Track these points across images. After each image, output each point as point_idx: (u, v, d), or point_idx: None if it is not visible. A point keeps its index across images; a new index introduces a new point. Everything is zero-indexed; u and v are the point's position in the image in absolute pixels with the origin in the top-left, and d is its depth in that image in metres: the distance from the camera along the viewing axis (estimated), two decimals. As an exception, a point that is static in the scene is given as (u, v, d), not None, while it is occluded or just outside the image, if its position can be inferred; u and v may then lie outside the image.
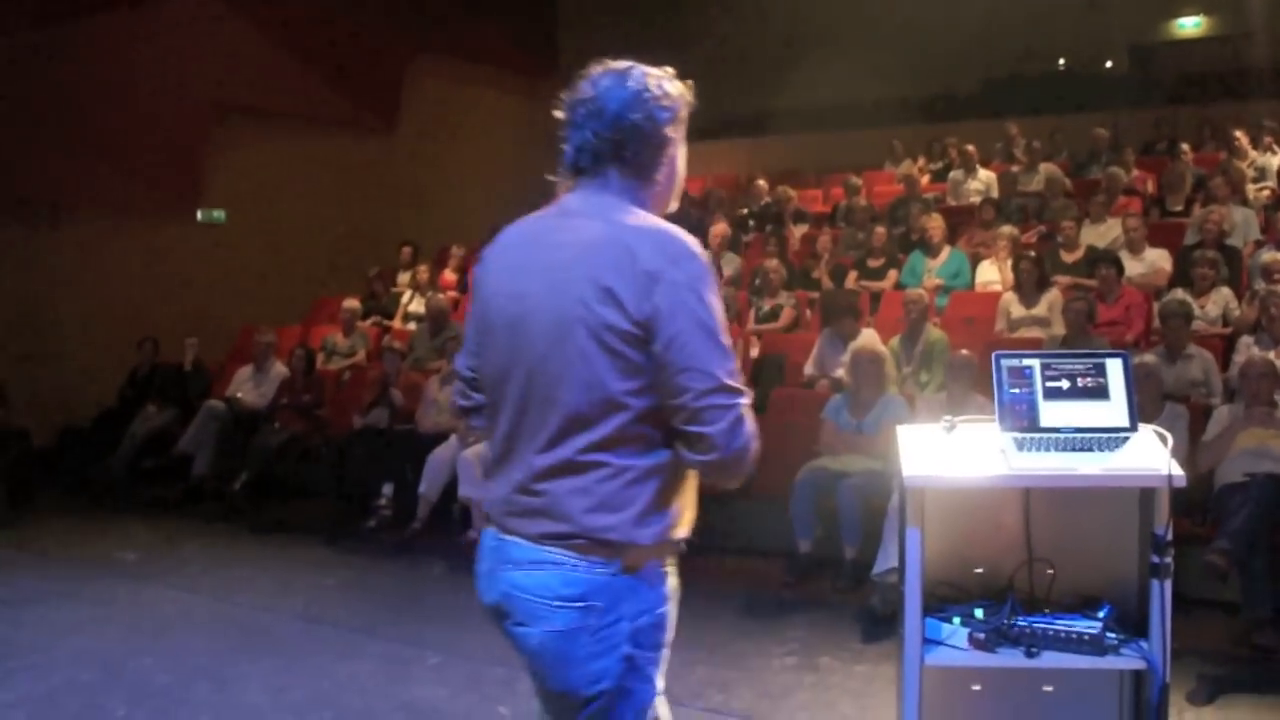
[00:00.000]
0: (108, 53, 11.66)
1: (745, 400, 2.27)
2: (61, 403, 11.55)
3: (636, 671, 2.36)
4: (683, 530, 2.44)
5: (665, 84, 2.44)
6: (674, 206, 2.59)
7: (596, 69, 2.45)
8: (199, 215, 13.26)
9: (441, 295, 11.47)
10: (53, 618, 6.65)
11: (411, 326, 11.44)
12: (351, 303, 11.50)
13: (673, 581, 2.48)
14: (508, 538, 2.38)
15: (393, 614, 6.65)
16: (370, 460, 8.93)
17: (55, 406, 11.48)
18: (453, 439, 8.60)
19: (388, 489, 8.80)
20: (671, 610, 2.46)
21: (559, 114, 2.47)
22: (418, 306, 11.81)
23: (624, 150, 2.38)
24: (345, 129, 14.57)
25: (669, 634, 2.45)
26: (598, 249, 2.26)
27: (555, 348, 2.27)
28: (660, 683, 2.46)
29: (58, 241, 11.84)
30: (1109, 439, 3.33)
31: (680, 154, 2.52)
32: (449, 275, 12.88)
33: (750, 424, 2.28)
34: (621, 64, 2.45)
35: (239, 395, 10.31)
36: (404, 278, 12.78)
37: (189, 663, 5.80)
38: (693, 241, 2.30)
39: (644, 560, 2.35)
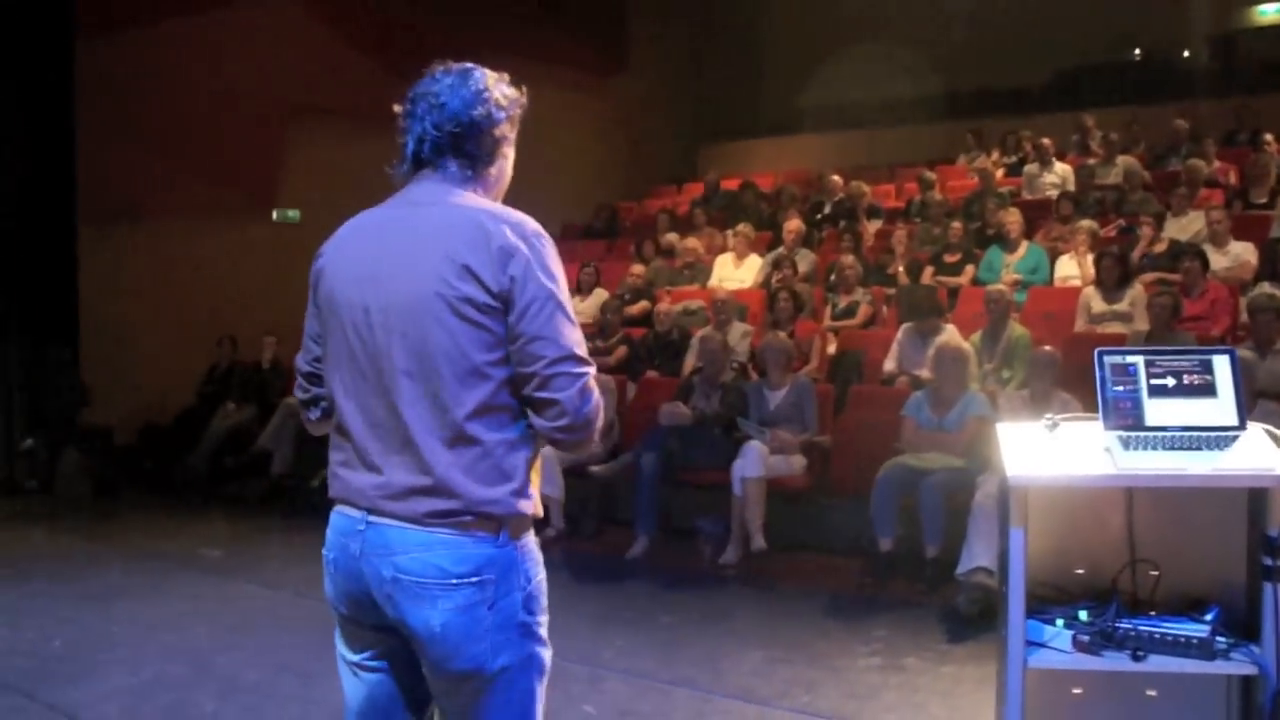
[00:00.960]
0: (181, 57, 11.83)
1: (592, 370, 2.39)
2: (143, 401, 11.74)
3: (533, 637, 2.43)
4: (538, 497, 2.51)
5: (504, 87, 2.59)
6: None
7: (439, 67, 2.58)
8: (274, 215, 13.41)
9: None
10: (141, 612, 6.74)
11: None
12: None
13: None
14: (382, 521, 2.39)
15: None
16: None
17: (137, 405, 11.68)
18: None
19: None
20: (544, 574, 2.51)
21: (397, 108, 2.59)
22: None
23: (464, 143, 2.50)
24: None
25: (546, 597, 2.51)
26: (453, 230, 2.37)
27: (418, 327, 2.34)
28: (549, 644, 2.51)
29: (136, 241, 12.01)
30: (1217, 438, 3.26)
31: (510, 154, 2.65)
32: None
33: (597, 394, 2.40)
34: (463, 65, 2.58)
35: (317, 393, 10.39)
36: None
37: (275, 658, 5.85)
38: (537, 224, 2.43)
39: (522, 530, 2.43)
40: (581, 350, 2.37)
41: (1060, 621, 3.38)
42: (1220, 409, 3.34)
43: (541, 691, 2.49)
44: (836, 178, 13.57)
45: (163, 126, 11.69)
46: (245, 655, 5.91)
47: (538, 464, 2.51)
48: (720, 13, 19.51)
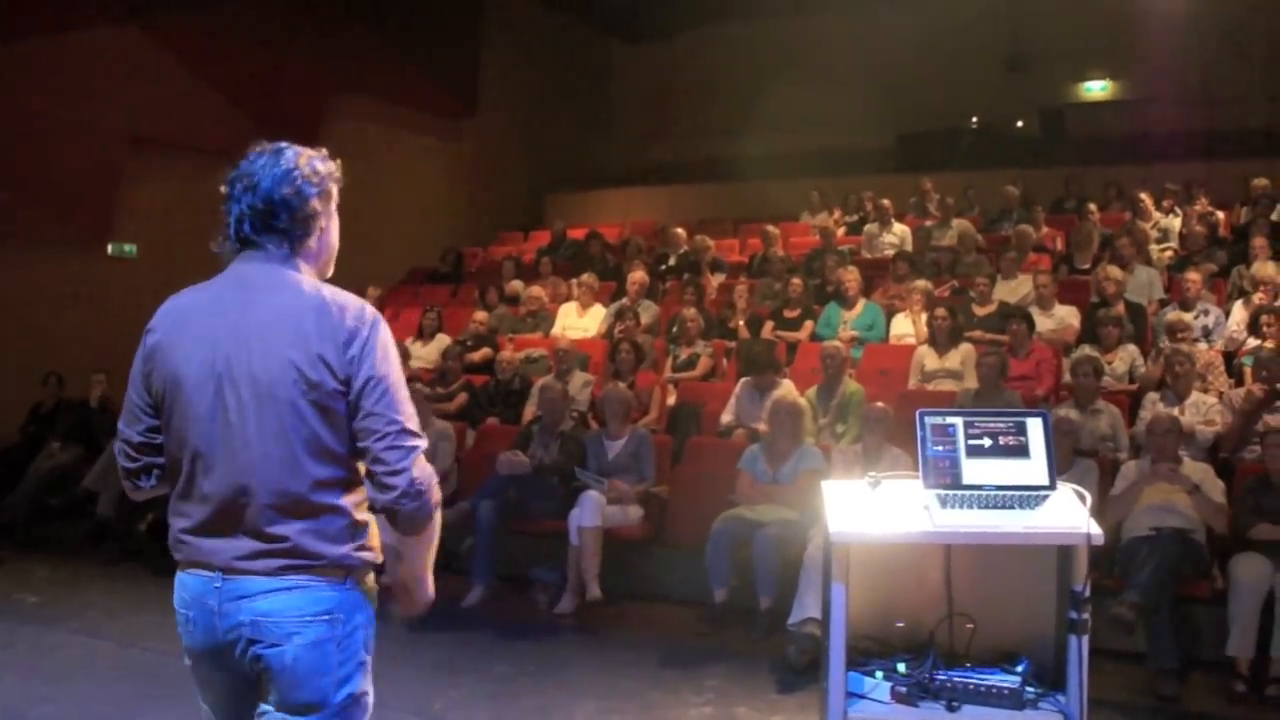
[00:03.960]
0: (18, 82, 11.44)
1: (424, 443, 2.59)
2: (-39, 438, 11.25)
3: (367, 675, 2.66)
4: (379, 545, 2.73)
5: (316, 162, 2.71)
6: (329, 274, 2.82)
7: (255, 148, 2.71)
8: (110, 249, 13.02)
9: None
10: (-51, 662, 6.45)
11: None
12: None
13: None
14: (236, 577, 2.56)
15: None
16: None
17: (-45, 442, 11.18)
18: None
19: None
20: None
21: (222, 189, 2.70)
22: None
23: (276, 222, 2.63)
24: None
25: None
26: (300, 316, 2.55)
27: (274, 408, 2.52)
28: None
29: (-39, 272, 11.56)
30: (1029, 497, 3.41)
31: (332, 226, 2.78)
32: (365, 316, 12.78)
33: (427, 466, 2.58)
34: (276, 145, 2.71)
35: (147, 434, 10.08)
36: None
37: (93, 711, 5.66)
38: (372, 307, 2.62)
39: (364, 576, 2.66)
40: (413, 425, 2.55)
41: (880, 673, 3.48)
42: (1033, 469, 3.49)
43: None
44: (681, 231, 13.73)
45: (-7, 151, 11.29)
46: (60, 709, 5.69)
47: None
48: (572, 62, 19.68)
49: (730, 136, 18.86)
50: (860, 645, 3.58)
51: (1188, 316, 8.98)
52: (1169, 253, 11.65)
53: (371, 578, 2.69)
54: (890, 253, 12.36)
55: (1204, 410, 7.66)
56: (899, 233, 13.10)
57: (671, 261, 13.30)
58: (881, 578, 3.61)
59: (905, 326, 10.11)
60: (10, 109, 11.34)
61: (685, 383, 9.79)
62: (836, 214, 15.20)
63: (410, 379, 9.90)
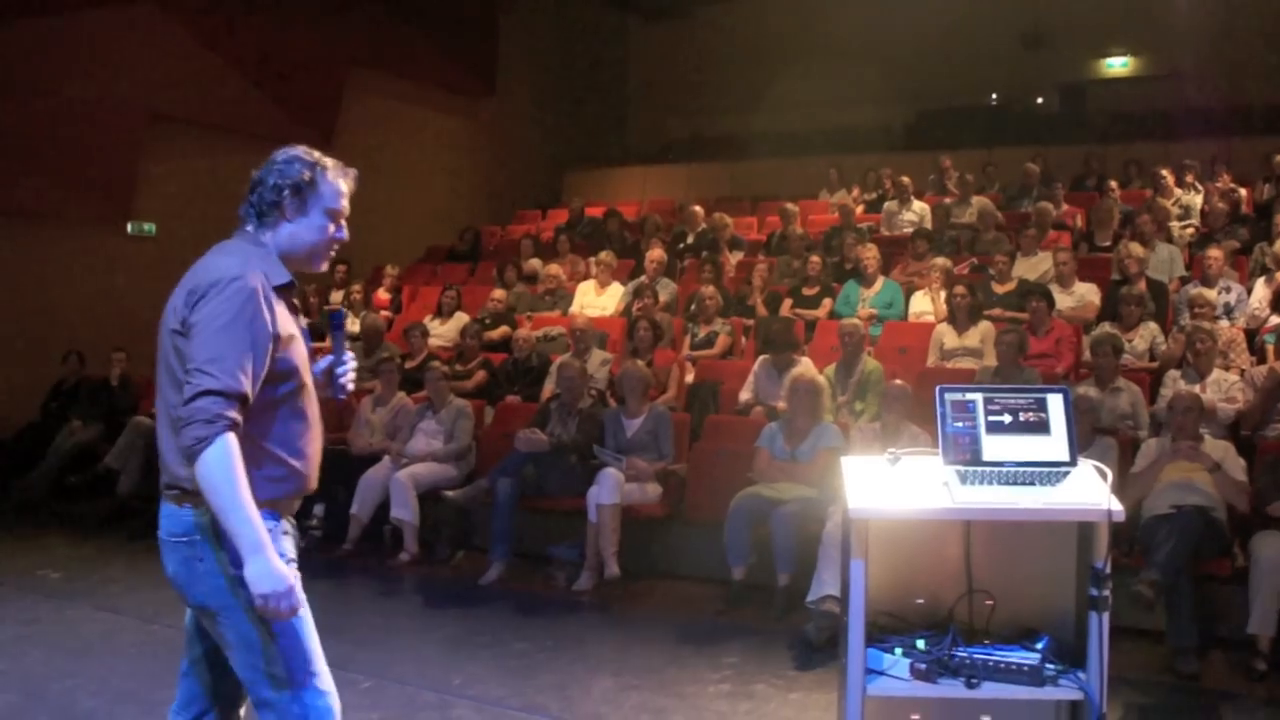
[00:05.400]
0: (38, 59, 11.46)
1: (212, 383, 2.74)
2: (-17, 416, 11.32)
3: (246, 586, 2.79)
4: None
5: (295, 163, 3.07)
6: (302, 268, 3.17)
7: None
8: (129, 227, 13.06)
9: (376, 314, 11.39)
10: (-28, 637, 6.49)
11: (345, 347, 11.34)
12: (281, 321, 11.34)
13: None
14: None
15: (324, 636, 6.50)
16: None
17: (-24, 420, 11.25)
18: (386, 460, 8.55)
19: (319, 509, 8.73)
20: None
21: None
22: (352, 326, 11.73)
23: (251, 195, 3.06)
24: (280, 142, 14.21)
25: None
26: (192, 269, 2.94)
27: (161, 346, 2.95)
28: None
29: (-21, 250, 11.61)
30: (1050, 473, 3.39)
31: (303, 225, 3.09)
32: (383, 295, 12.81)
33: (207, 403, 2.74)
34: (294, 146, 3.13)
35: (167, 412, 10.11)
36: (337, 296, 12.67)
37: (114, 686, 5.68)
38: (243, 271, 2.85)
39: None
40: (213, 368, 2.74)
41: (899, 650, 3.47)
42: (1053, 445, 3.47)
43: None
44: (699, 209, 13.70)
45: (12, 128, 11.29)
46: (82, 683, 5.72)
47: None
48: (590, 41, 19.65)
49: (748, 114, 18.81)
50: (879, 622, 3.57)
51: (1210, 293, 8.92)
52: (1190, 230, 11.58)
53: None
54: (909, 230, 12.31)
55: (1225, 388, 7.62)
56: (919, 210, 13.05)
57: (690, 239, 13.28)
58: (901, 554, 3.60)
59: (924, 304, 10.07)
60: (30, 86, 11.37)
61: (703, 361, 9.77)
62: (855, 192, 15.16)
63: (429, 357, 9.99)
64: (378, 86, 15.52)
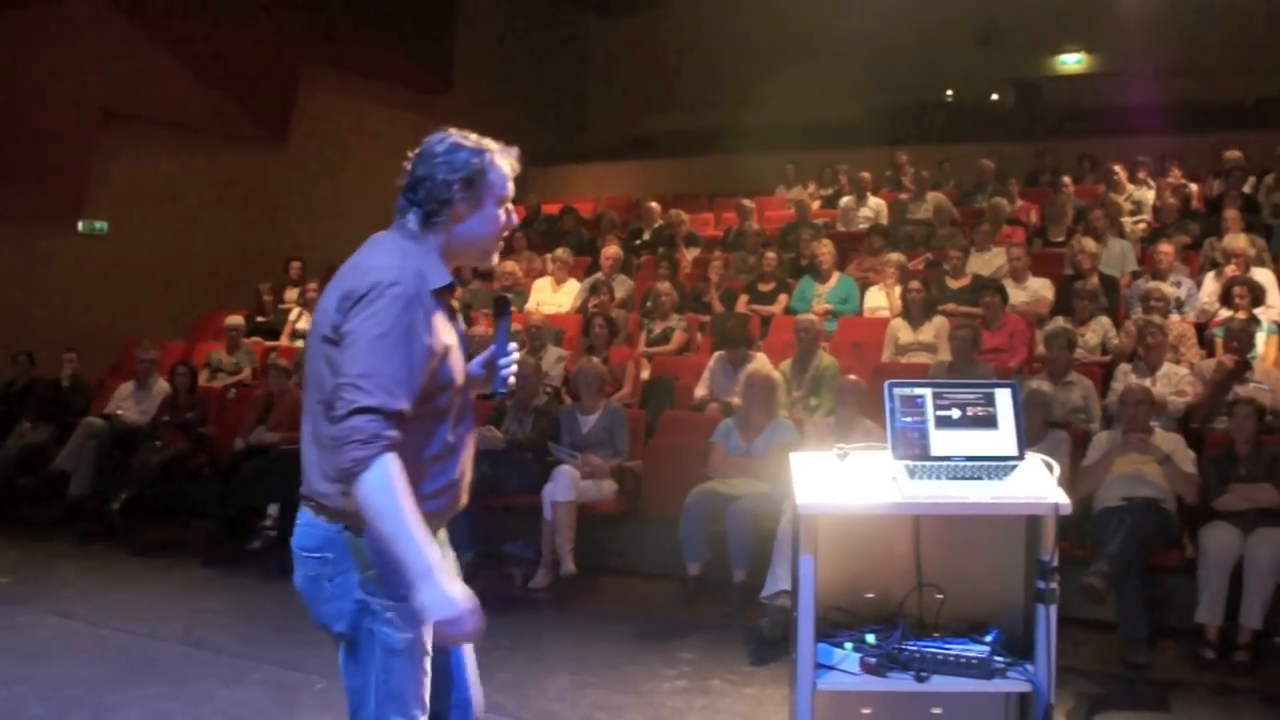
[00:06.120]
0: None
1: (368, 400, 2.55)
2: (-69, 418, 11.17)
3: (374, 615, 2.71)
4: None
5: (462, 151, 2.81)
6: (469, 263, 3.02)
7: (440, 130, 2.87)
8: (80, 225, 12.92)
9: (331, 313, 11.31)
10: (-80, 642, 6.41)
11: (299, 344, 11.28)
12: (235, 318, 11.26)
13: None
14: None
15: (278, 638, 6.50)
16: (255, 480, 8.76)
17: (-76, 421, 11.10)
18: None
19: (273, 509, 8.66)
20: None
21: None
22: (306, 324, 11.65)
23: (412, 195, 2.81)
24: (234, 140, 14.27)
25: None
26: (343, 272, 2.73)
27: (310, 350, 2.79)
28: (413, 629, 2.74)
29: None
30: (997, 467, 3.41)
31: (476, 218, 2.85)
32: (338, 292, 12.71)
33: (363, 421, 2.54)
34: (450, 130, 2.87)
35: (119, 412, 10.01)
36: (292, 294, 12.59)
37: (66, 691, 5.62)
38: (400, 275, 2.65)
39: (362, 524, 2.63)
40: (366, 383, 2.54)
41: (849, 645, 3.49)
42: (1001, 440, 3.49)
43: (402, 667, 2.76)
44: (655, 205, 13.70)
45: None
46: (32, 689, 5.65)
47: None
48: (548, 38, 19.61)
49: (706, 111, 18.84)
50: (829, 617, 3.58)
51: (1162, 287, 8.99)
52: (1142, 225, 11.67)
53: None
54: (865, 226, 12.36)
55: (1175, 381, 7.69)
56: (875, 206, 13.10)
57: (646, 236, 13.27)
58: (851, 549, 3.61)
59: (879, 299, 10.11)
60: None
61: (659, 357, 9.76)
62: (812, 188, 15.22)
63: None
64: (332, 83, 15.44)
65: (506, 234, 2.97)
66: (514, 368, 3.15)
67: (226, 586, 7.73)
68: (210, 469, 9.34)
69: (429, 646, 2.79)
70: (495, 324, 3.21)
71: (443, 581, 2.56)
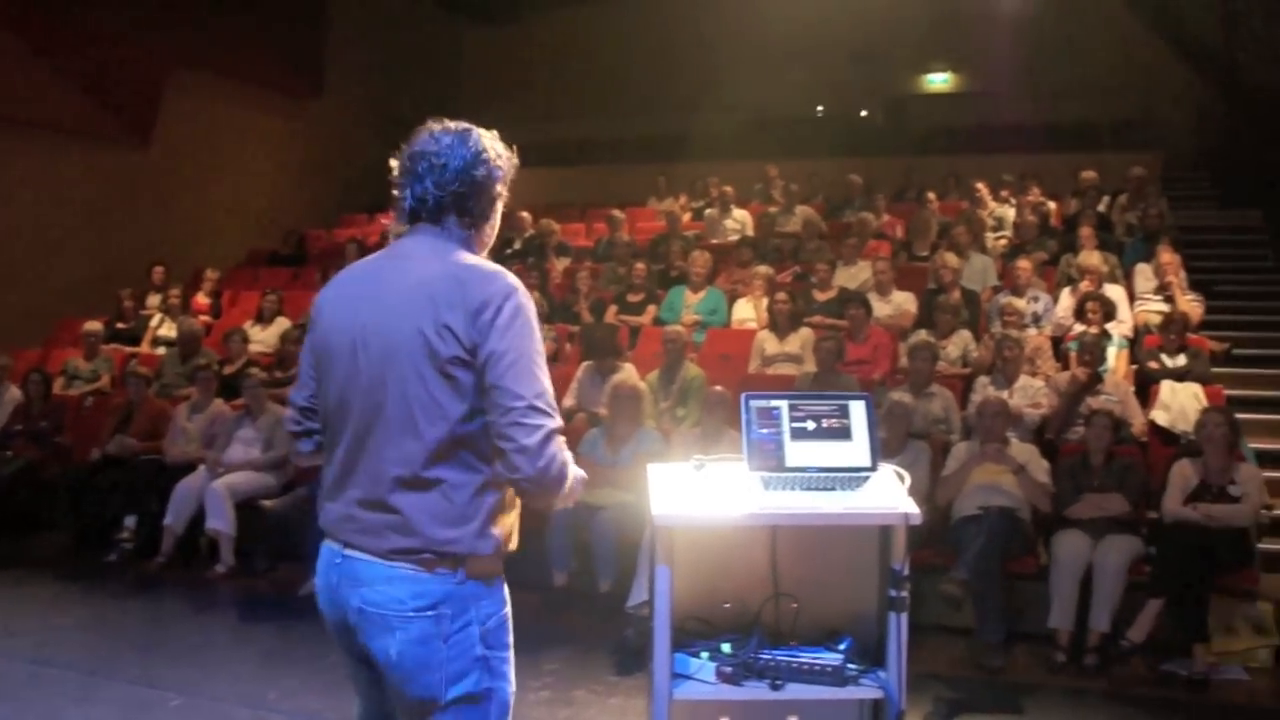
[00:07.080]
0: None
1: (554, 423, 2.51)
2: None
3: (492, 671, 2.59)
4: (514, 541, 2.70)
5: (499, 145, 2.75)
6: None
7: (436, 126, 2.72)
8: (-69, 228, 12.47)
9: (194, 319, 11.08)
10: None
11: (161, 351, 11.03)
12: (93, 325, 10.97)
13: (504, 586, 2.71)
14: (352, 554, 2.60)
15: (133, 654, 6.35)
16: (112, 490, 8.55)
17: None
18: (201, 469, 8.34)
19: (130, 521, 8.46)
20: (509, 612, 2.70)
21: (394, 163, 2.74)
22: (168, 330, 11.39)
23: (466, 202, 2.67)
24: (98, 142, 13.86)
25: (511, 634, 2.69)
26: (434, 284, 2.52)
27: (398, 375, 2.51)
28: (514, 681, 2.67)
29: None
30: (851, 478, 3.47)
31: (500, 211, 2.82)
32: (202, 299, 12.46)
33: (557, 445, 2.52)
34: (458, 124, 2.72)
35: (-34, 421, 9.70)
36: (154, 300, 12.30)
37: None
38: (515, 280, 2.58)
39: (481, 568, 2.58)
40: (542, 402, 2.49)
41: (705, 654, 3.51)
42: (855, 451, 3.55)
43: None
44: (526, 214, 13.66)
45: None
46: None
47: (515, 506, 2.69)
48: (421, 43, 19.45)
49: (579, 120, 18.87)
50: (687, 627, 3.61)
51: (1019, 302, 9.23)
52: (1003, 241, 11.95)
53: (495, 564, 2.63)
54: (733, 238, 12.48)
55: (1031, 393, 7.90)
56: (739, 218, 13.26)
57: (517, 245, 13.21)
58: (708, 560, 3.64)
59: (747, 311, 10.21)
60: None
61: (529, 366, 9.71)
62: (682, 199, 15.31)
63: (248, 363, 9.77)
64: (200, 86, 15.08)
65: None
66: None
67: (79, 602, 7.51)
68: (64, 480, 9.07)
69: None
70: None
71: None
